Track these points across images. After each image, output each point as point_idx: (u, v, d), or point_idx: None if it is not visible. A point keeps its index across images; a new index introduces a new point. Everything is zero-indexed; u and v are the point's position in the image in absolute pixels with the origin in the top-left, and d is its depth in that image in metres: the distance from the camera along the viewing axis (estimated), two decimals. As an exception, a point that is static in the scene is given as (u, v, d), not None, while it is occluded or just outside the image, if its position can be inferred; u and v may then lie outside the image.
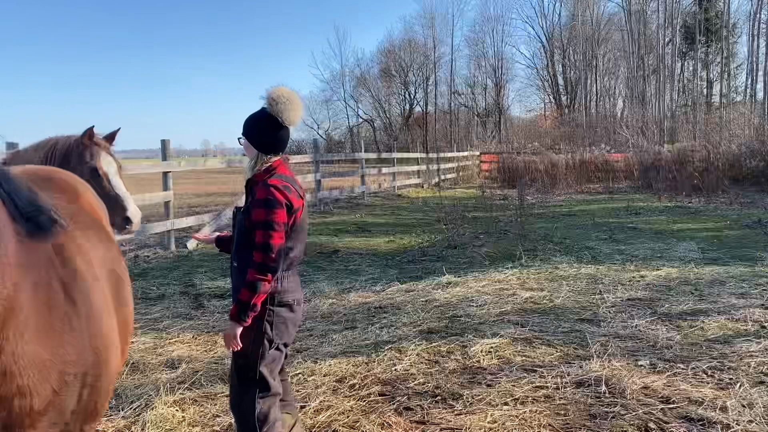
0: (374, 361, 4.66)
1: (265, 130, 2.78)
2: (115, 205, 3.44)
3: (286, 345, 2.84)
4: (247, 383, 2.74)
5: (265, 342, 2.71)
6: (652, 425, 3.51)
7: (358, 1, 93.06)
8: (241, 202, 3.01)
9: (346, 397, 4.06)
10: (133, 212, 3.47)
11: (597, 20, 42.93)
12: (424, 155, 25.34)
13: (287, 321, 2.77)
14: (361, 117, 56.21)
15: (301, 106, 2.81)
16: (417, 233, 11.23)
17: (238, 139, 2.88)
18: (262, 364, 2.72)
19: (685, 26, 38.39)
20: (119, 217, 3.48)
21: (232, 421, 3.72)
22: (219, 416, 3.81)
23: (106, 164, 3.52)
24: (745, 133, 23.10)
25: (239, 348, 2.67)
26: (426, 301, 6.42)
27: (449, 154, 27.04)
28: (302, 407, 3.93)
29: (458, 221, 10.83)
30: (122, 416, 3.76)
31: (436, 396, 4.02)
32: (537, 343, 5.01)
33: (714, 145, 20.41)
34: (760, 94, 34.33)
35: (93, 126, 3.65)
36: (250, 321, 2.63)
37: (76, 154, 3.49)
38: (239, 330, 2.63)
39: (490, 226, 11.05)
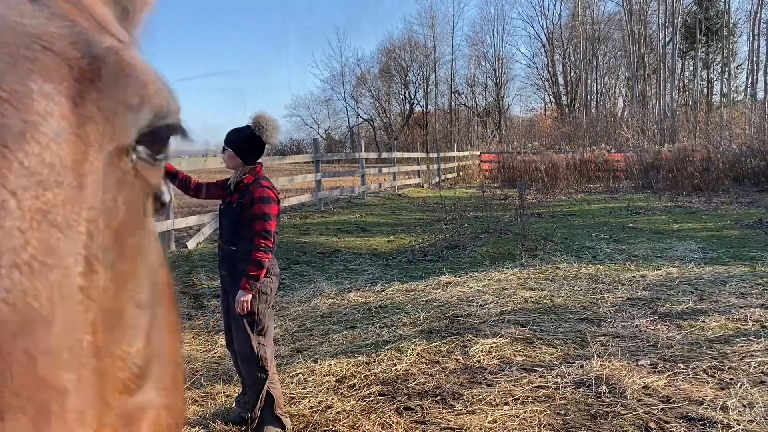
0: (374, 361, 4.66)
1: (252, 147, 3.48)
2: None
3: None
4: (255, 334, 3.51)
5: (267, 301, 3.52)
6: (652, 425, 3.51)
7: (358, 1, 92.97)
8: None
9: (346, 396, 4.06)
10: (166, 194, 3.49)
11: (597, 20, 42.90)
12: (424, 155, 25.29)
13: (276, 286, 3.62)
14: (361, 117, 56.22)
15: (279, 130, 3.55)
16: (417, 233, 11.22)
17: (223, 149, 3.52)
18: (266, 318, 3.53)
19: (686, 26, 38.35)
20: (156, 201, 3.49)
21: (231, 421, 3.72)
22: (219, 416, 3.80)
23: None
24: (745, 133, 23.10)
25: (248, 311, 3.41)
26: (426, 300, 6.41)
27: (449, 154, 26.98)
28: (302, 407, 3.93)
29: (458, 221, 10.83)
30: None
31: (437, 396, 4.02)
32: (537, 342, 5.01)
33: (714, 144, 20.38)
34: (760, 94, 34.35)
35: None
36: (254, 291, 3.42)
37: None
38: (249, 297, 3.38)
39: (490, 226, 11.03)
